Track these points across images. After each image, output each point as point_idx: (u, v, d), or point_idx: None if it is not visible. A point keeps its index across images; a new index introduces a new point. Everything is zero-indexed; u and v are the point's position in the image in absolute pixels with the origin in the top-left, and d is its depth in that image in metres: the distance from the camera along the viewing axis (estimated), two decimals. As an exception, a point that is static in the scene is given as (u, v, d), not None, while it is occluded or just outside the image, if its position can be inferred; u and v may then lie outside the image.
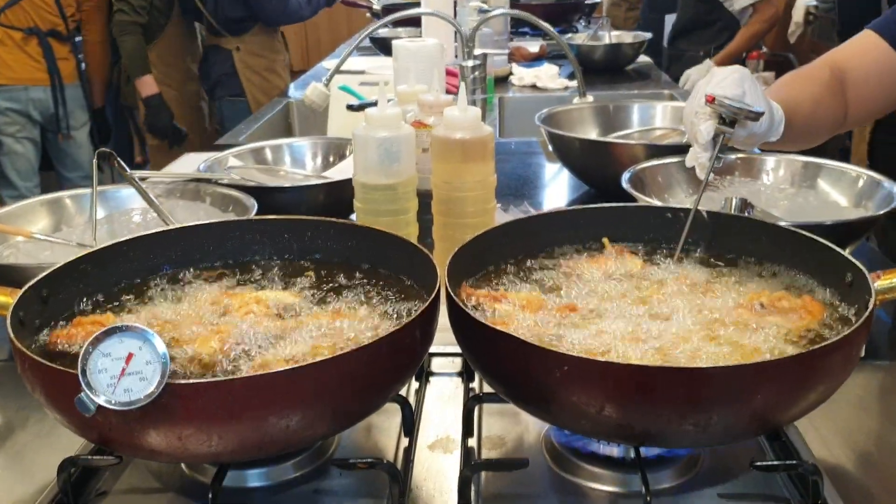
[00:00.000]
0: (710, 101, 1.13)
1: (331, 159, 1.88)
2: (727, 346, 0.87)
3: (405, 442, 1.00)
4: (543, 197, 1.97)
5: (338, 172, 1.83)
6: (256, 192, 1.54)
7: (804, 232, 1.06)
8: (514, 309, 0.97)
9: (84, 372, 0.71)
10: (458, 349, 1.12)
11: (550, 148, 2.09)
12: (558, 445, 0.96)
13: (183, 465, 0.95)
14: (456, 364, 1.16)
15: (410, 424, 0.99)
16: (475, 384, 1.11)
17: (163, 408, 0.73)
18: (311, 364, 0.77)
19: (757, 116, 1.14)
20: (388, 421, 1.04)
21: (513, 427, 1.03)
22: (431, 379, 1.14)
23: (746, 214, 1.19)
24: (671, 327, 0.91)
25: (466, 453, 0.96)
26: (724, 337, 0.89)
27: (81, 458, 0.89)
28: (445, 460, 0.96)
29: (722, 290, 1.02)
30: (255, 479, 0.93)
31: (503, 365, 0.84)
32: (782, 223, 1.17)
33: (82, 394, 0.72)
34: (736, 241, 1.13)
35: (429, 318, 0.89)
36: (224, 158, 1.80)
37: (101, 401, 0.71)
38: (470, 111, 1.26)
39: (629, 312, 0.96)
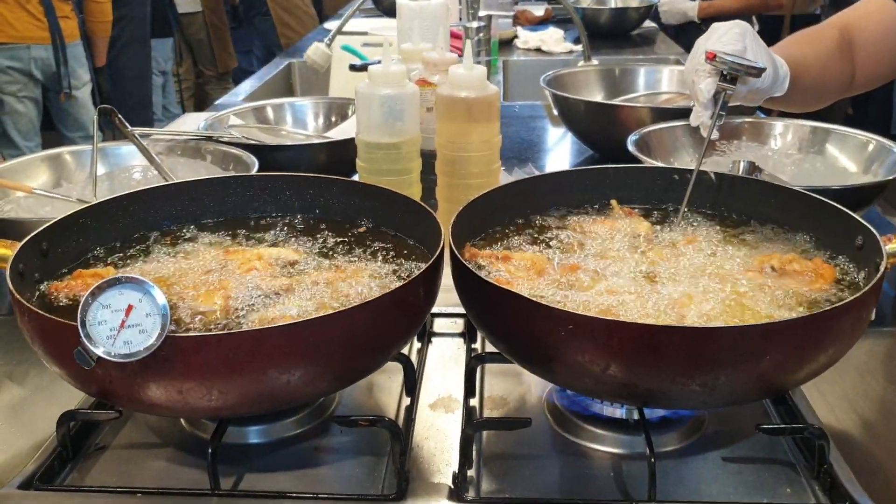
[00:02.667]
0: (711, 58, 1.10)
1: (333, 119, 1.86)
2: (736, 307, 0.86)
3: (407, 401, 0.99)
4: (547, 161, 1.95)
5: (340, 133, 1.81)
6: (257, 150, 1.53)
7: (814, 194, 1.05)
8: (518, 269, 0.96)
9: (83, 323, 0.70)
10: (460, 310, 1.11)
11: (555, 111, 2.06)
12: (561, 406, 0.95)
13: (182, 421, 0.94)
14: (458, 325, 1.15)
15: (412, 383, 0.99)
16: (477, 345, 1.11)
17: (163, 361, 0.72)
18: (313, 319, 0.76)
19: (759, 72, 1.11)
20: (389, 380, 1.03)
21: (515, 387, 1.02)
22: (434, 339, 1.13)
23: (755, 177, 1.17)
24: (679, 289, 0.90)
25: (468, 413, 0.95)
26: (733, 299, 0.88)
27: (80, 411, 0.89)
28: (447, 419, 0.96)
29: (731, 252, 1.00)
30: (255, 435, 0.92)
31: (507, 324, 0.83)
32: (790, 186, 1.15)
33: (81, 346, 0.71)
34: (744, 204, 1.11)
35: (432, 276, 0.88)
36: (225, 117, 1.78)
37: (100, 353, 0.70)
38: (476, 69, 1.24)
39: (636, 273, 0.95)
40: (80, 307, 0.70)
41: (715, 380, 0.76)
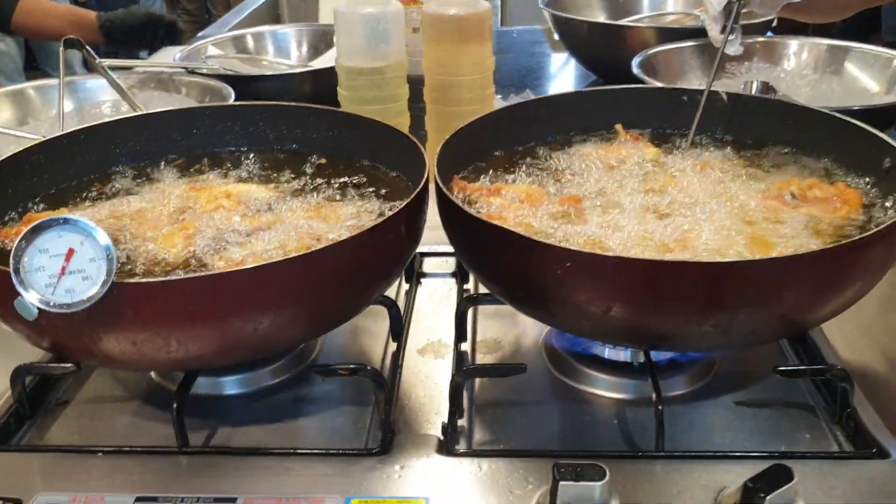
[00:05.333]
0: None
1: (319, 48, 1.75)
2: (753, 239, 0.78)
3: (393, 347, 0.92)
4: (548, 88, 1.84)
5: (325, 62, 1.70)
6: (236, 81, 1.43)
7: (836, 114, 0.95)
8: (512, 203, 0.87)
9: (17, 270, 0.62)
10: (451, 248, 1.03)
11: (556, 36, 1.95)
12: (559, 349, 0.88)
13: (151, 372, 0.87)
14: (450, 264, 1.07)
15: (399, 328, 0.91)
16: (469, 285, 1.03)
17: (111, 310, 0.64)
18: (280, 261, 0.68)
19: None
20: (375, 324, 0.96)
21: (509, 330, 0.95)
22: (423, 280, 1.05)
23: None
24: (689, 220, 0.81)
25: (459, 358, 0.88)
26: (750, 229, 0.80)
27: (36, 364, 0.82)
28: (436, 366, 0.89)
29: (746, 178, 0.92)
30: (229, 386, 0.85)
31: (499, 263, 0.75)
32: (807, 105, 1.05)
33: (20, 296, 0.63)
34: (758, 126, 1.02)
35: (415, 211, 0.80)
36: (203, 48, 1.67)
37: (38, 303, 0.62)
38: (465, -17, 1.13)
39: (643, 204, 0.86)
40: (12, 252, 0.62)
41: (731, 320, 0.68)
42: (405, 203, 0.77)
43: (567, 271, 0.69)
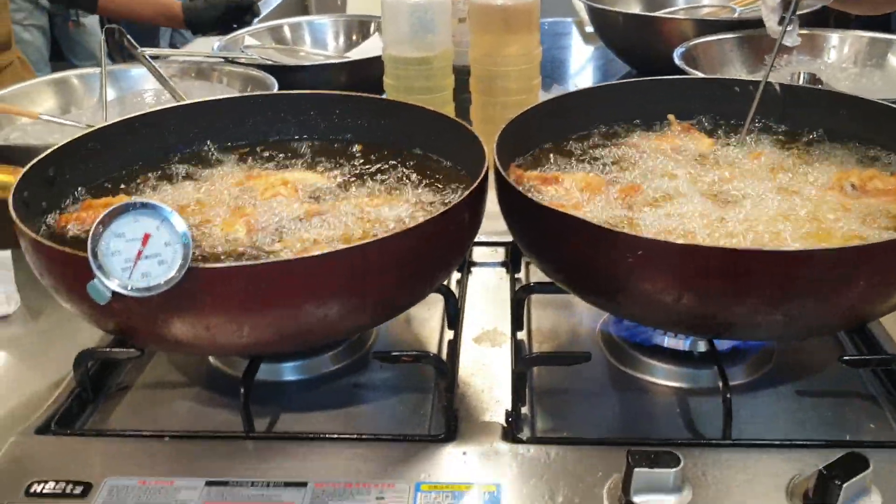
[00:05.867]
0: None
1: (354, 38, 1.75)
2: (818, 229, 0.77)
3: (449, 335, 0.92)
4: (583, 80, 1.83)
5: (361, 52, 1.70)
6: (274, 72, 1.43)
7: (891, 104, 0.94)
8: (570, 191, 0.87)
9: (95, 254, 0.62)
10: (501, 238, 1.03)
11: (587, 28, 1.94)
12: (618, 338, 0.88)
13: (210, 357, 0.88)
14: (499, 254, 1.07)
15: (455, 316, 0.91)
16: (521, 274, 1.03)
17: (187, 295, 0.64)
18: (353, 247, 0.68)
19: None
20: (427, 312, 0.96)
21: (564, 319, 0.94)
22: (473, 269, 1.05)
23: (819, 90, 1.07)
24: (752, 210, 0.81)
25: (517, 347, 0.88)
26: (812, 219, 0.79)
27: (99, 350, 0.82)
28: (493, 354, 0.89)
29: (803, 169, 0.91)
30: (288, 372, 0.85)
31: (564, 251, 0.75)
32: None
33: (95, 280, 0.64)
34: (811, 117, 1.01)
35: (478, 198, 0.80)
36: (240, 38, 1.68)
37: (115, 286, 0.62)
38: (514, -27, 1.13)
39: (702, 194, 0.85)
40: (90, 236, 0.62)
41: (802, 308, 0.68)
42: (470, 189, 0.77)
43: (639, 259, 0.68)
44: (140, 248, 0.63)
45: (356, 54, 1.69)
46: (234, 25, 2.02)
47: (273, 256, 0.77)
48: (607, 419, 0.80)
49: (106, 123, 0.94)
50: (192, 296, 0.65)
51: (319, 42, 1.75)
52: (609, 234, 0.70)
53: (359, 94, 1.03)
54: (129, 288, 0.63)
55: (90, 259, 0.62)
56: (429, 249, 0.74)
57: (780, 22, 1.02)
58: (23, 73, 1.72)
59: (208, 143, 1.01)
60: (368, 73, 1.52)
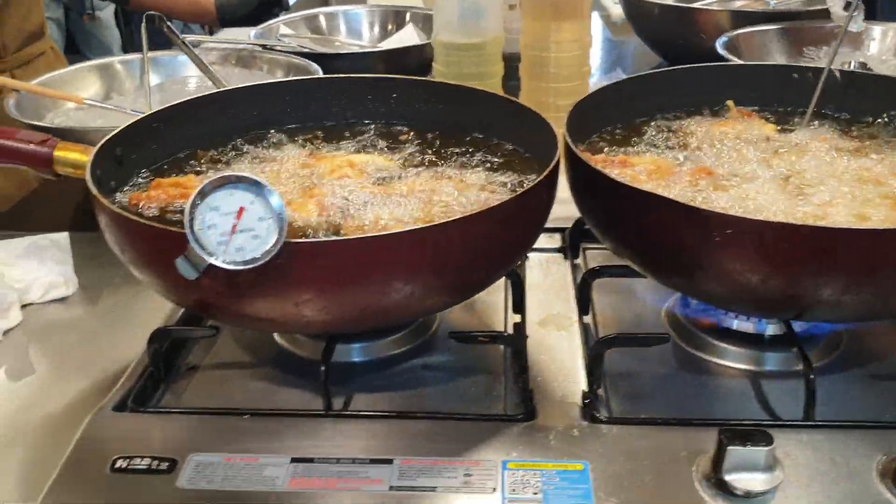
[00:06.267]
0: None
1: (389, 28, 1.75)
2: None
3: (514, 318, 0.92)
4: (617, 71, 1.83)
5: (394, 42, 1.70)
6: (312, 59, 1.42)
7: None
8: (640, 174, 0.87)
9: (192, 229, 0.62)
10: (557, 224, 1.03)
11: (613, 20, 1.94)
12: (686, 321, 0.88)
13: (277, 338, 0.87)
14: (555, 240, 1.07)
15: (520, 299, 0.91)
16: (579, 261, 1.03)
17: (279, 269, 0.64)
18: (445, 223, 0.67)
19: None
20: (487, 296, 0.95)
21: (627, 302, 0.94)
22: (529, 255, 1.05)
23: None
24: (827, 192, 0.81)
25: (584, 330, 0.88)
26: (890, 202, 0.79)
27: (174, 328, 0.82)
28: (560, 337, 0.88)
29: (868, 153, 0.91)
30: (357, 353, 0.85)
31: (647, 231, 0.75)
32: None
33: (186, 254, 0.63)
34: (872, 103, 1.01)
35: (553, 179, 0.79)
36: (275, 27, 1.67)
37: (213, 260, 0.62)
38: (569, -41, 1.13)
39: (774, 177, 0.85)
40: (187, 209, 0.62)
41: (891, 288, 0.68)
42: (548, 170, 0.77)
43: (727, 238, 0.68)
44: (235, 221, 0.63)
45: (389, 44, 1.69)
46: (263, 17, 2.04)
47: (349, 234, 0.77)
48: (680, 401, 0.79)
49: (171, 104, 0.93)
50: (283, 271, 0.64)
51: (354, 31, 1.75)
52: (697, 213, 0.70)
53: (416, 77, 1.03)
54: (226, 262, 0.62)
55: (187, 233, 0.62)
56: (509, 229, 0.74)
57: (846, 7, 1.02)
58: (55, 62, 1.72)
59: (269, 125, 1.00)
60: (406, 62, 1.53)
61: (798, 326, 0.81)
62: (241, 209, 0.63)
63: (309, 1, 2.64)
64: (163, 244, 0.67)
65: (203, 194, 0.62)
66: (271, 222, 0.63)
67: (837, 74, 1.02)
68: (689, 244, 0.71)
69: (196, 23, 2.18)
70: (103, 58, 3.67)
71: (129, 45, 3.85)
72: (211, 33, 2.06)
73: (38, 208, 1.27)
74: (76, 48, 3.63)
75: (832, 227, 0.69)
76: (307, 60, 1.38)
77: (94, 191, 0.73)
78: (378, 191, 0.86)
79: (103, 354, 0.88)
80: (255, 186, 0.63)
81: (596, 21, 2.20)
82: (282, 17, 1.71)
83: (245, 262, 0.63)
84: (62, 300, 0.98)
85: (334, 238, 0.68)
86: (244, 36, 1.64)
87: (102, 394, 0.79)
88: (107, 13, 3.57)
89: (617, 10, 2.01)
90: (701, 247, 0.70)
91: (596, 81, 1.42)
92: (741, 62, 1.08)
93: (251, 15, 1.94)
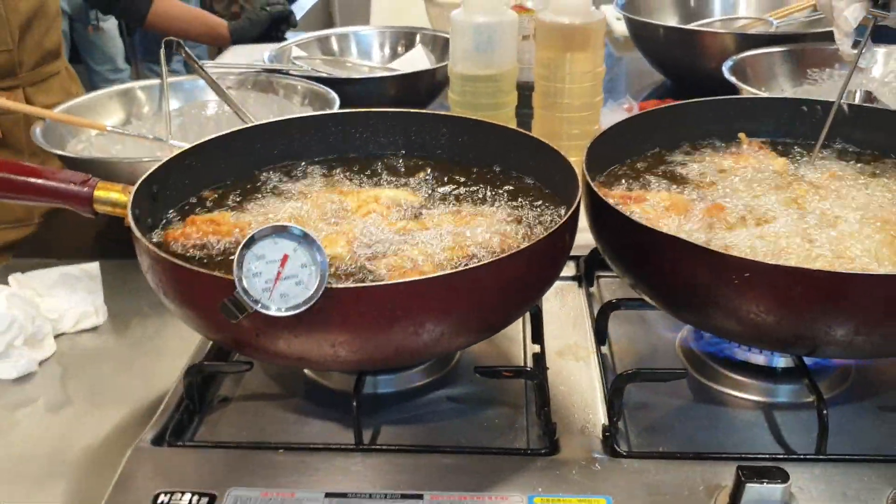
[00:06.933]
0: None
1: (399, 49, 1.78)
2: (909, 250, 0.80)
3: (533, 349, 0.95)
4: (615, 91, 1.85)
5: (405, 63, 1.73)
6: (327, 83, 1.45)
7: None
8: (655, 210, 0.90)
9: (240, 277, 0.65)
10: (573, 252, 1.06)
11: (617, 36, 1.98)
12: (700, 353, 0.91)
13: (306, 370, 0.90)
14: (570, 268, 1.10)
15: (540, 330, 0.94)
16: (594, 289, 1.06)
17: (320, 313, 0.67)
18: (473, 268, 0.70)
19: None
20: (509, 327, 0.98)
21: (641, 333, 0.98)
22: (545, 283, 1.08)
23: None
24: (841, 230, 0.84)
25: (602, 362, 0.91)
26: (900, 240, 0.82)
27: (209, 364, 0.85)
28: (578, 368, 0.91)
29: (881, 189, 0.94)
30: (384, 385, 0.88)
31: (665, 271, 0.78)
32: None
33: (231, 299, 0.66)
34: (880, 137, 1.04)
35: (575, 219, 0.83)
36: (287, 49, 1.70)
37: (259, 308, 0.65)
38: (582, -7, 1.16)
39: (786, 213, 0.88)
40: (236, 259, 0.65)
41: (901, 330, 0.71)
42: (570, 210, 0.80)
43: (745, 281, 0.71)
44: (279, 269, 0.66)
45: (400, 64, 1.72)
46: (273, 34, 2.08)
47: (382, 275, 0.79)
48: (697, 433, 0.82)
49: (202, 140, 0.96)
50: (324, 314, 0.67)
51: (364, 52, 1.78)
52: (713, 255, 0.73)
53: (436, 112, 1.06)
54: (270, 308, 0.65)
55: (236, 281, 0.65)
56: (534, 269, 0.77)
57: (855, 45, 1.05)
58: (69, 82, 1.74)
59: (294, 158, 1.03)
60: (418, 85, 1.56)
61: (809, 360, 0.84)
62: (286, 256, 0.66)
63: (315, 18, 2.68)
64: (208, 288, 0.69)
65: (250, 244, 0.65)
66: (314, 269, 0.66)
67: (846, 108, 1.05)
68: (704, 285, 0.75)
69: (210, 45, 2.21)
70: (106, 66, 3.65)
71: (133, 55, 3.88)
72: (218, 52, 2.09)
73: (56, 235, 1.29)
74: (79, 58, 3.65)
75: (844, 273, 0.72)
76: (324, 87, 1.41)
77: (138, 234, 0.76)
78: (405, 227, 0.89)
79: (137, 385, 0.91)
80: (298, 235, 0.66)
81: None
82: (294, 39, 1.74)
83: (289, 308, 0.66)
84: (93, 329, 1.01)
85: (374, 284, 0.71)
86: (255, 54, 1.67)
87: (140, 425, 0.82)
88: (111, 24, 3.59)
89: (621, 27, 2.04)
90: (716, 288, 0.74)
91: (603, 109, 1.45)
92: (751, 95, 1.11)
93: (262, 38, 1.99)
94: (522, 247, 0.73)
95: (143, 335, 1.01)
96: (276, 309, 0.65)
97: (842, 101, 1.03)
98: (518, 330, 0.98)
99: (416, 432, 0.83)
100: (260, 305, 0.65)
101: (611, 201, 0.84)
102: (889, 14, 1.04)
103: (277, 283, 0.66)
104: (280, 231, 0.66)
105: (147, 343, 0.99)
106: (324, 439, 0.81)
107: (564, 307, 1.03)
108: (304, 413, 0.86)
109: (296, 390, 0.89)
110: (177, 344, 0.96)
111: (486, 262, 0.71)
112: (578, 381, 0.89)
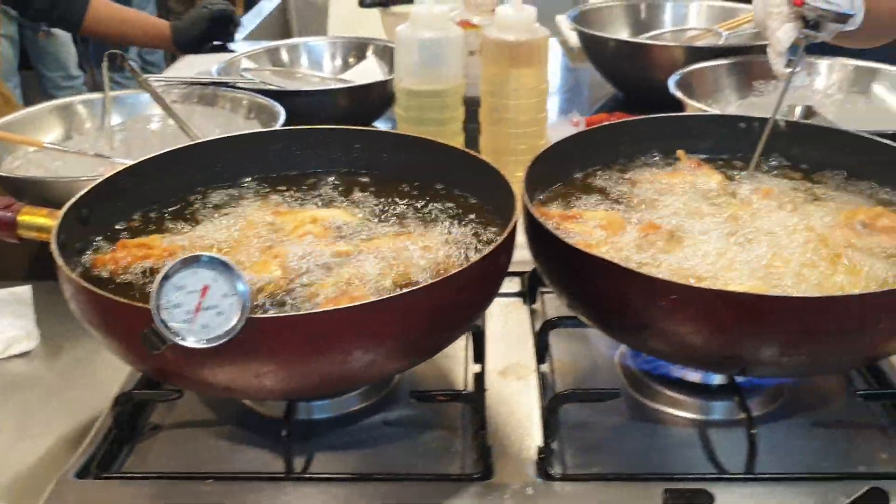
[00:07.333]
0: (799, 3, 1.02)
1: (350, 60, 1.77)
2: (839, 271, 0.81)
3: (473, 368, 0.94)
4: (568, 102, 1.86)
5: (357, 74, 1.72)
6: (275, 95, 1.44)
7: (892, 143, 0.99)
8: (592, 229, 0.90)
9: (158, 308, 0.63)
10: (518, 268, 1.06)
11: (571, 46, 1.98)
12: (637, 371, 0.91)
13: (241, 397, 0.89)
14: (514, 283, 1.09)
15: (482, 350, 0.93)
16: (538, 305, 1.06)
17: (242, 344, 0.66)
18: (404, 294, 0.70)
19: (847, 19, 1.04)
20: (451, 346, 0.98)
21: (582, 350, 0.97)
22: (490, 300, 1.07)
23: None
24: (769, 250, 0.85)
25: (542, 381, 0.91)
26: (829, 260, 0.83)
27: (138, 392, 0.83)
28: (519, 387, 0.91)
29: (811, 205, 0.95)
30: (318, 411, 0.87)
31: (599, 293, 0.78)
32: (864, 133, 1.08)
33: (151, 330, 0.65)
34: (816, 153, 1.06)
35: (511, 240, 0.82)
36: (237, 60, 1.68)
37: (178, 340, 0.64)
38: (526, 10, 1.16)
39: (719, 232, 0.89)
40: (154, 290, 0.64)
41: (826, 349, 0.72)
42: (507, 232, 0.79)
43: (672, 303, 0.71)
44: (199, 300, 0.64)
45: (352, 75, 1.71)
46: (218, 41, 2.03)
47: (313, 299, 0.78)
48: (632, 453, 0.82)
49: (138, 161, 0.94)
50: (247, 345, 0.66)
51: (315, 63, 1.76)
52: (644, 279, 0.73)
53: (380, 129, 1.05)
54: (189, 340, 0.64)
55: (154, 314, 0.63)
56: (469, 293, 0.77)
57: (788, 65, 1.07)
58: (4, 108, 1.69)
59: (232, 177, 1.02)
60: (369, 97, 1.55)
61: (740, 377, 0.85)
62: (206, 287, 0.65)
63: (272, 27, 2.65)
64: (128, 318, 0.68)
65: (168, 276, 0.64)
66: (234, 299, 0.65)
67: (782, 124, 1.06)
68: (633, 306, 0.75)
69: (153, 48, 2.16)
70: (58, 73, 3.59)
71: (87, 61, 3.82)
72: (173, 59, 2.05)
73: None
74: (29, 65, 3.59)
75: (766, 295, 0.73)
76: (270, 100, 1.39)
77: (60, 262, 0.74)
78: (340, 250, 0.88)
79: (66, 412, 0.89)
80: (217, 264, 0.65)
81: (555, 47, 2.24)
82: (244, 51, 1.72)
83: (209, 340, 0.64)
84: (23, 355, 0.98)
85: (297, 313, 0.70)
86: (207, 66, 1.65)
87: (67, 453, 0.80)
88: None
89: (575, 38, 2.05)
90: (645, 309, 0.74)
91: (553, 122, 1.45)
92: (696, 110, 1.12)
93: (207, 36, 1.93)
94: (453, 271, 0.73)
95: (75, 360, 0.98)
96: (195, 341, 0.64)
97: (778, 117, 1.04)
98: (461, 348, 0.97)
99: (350, 459, 0.82)
100: (179, 338, 0.64)
101: (547, 222, 0.84)
102: (819, 34, 1.05)
103: (198, 314, 0.64)
104: (196, 261, 0.64)
105: (79, 368, 0.97)
106: (255, 468, 0.79)
107: (508, 324, 1.03)
108: (236, 440, 0.84)
109: (229, 417, 0.87)
110: (111, 369, 0.93)
111: (416, 287, 0.70)
112: (518, 402, 0.89)
